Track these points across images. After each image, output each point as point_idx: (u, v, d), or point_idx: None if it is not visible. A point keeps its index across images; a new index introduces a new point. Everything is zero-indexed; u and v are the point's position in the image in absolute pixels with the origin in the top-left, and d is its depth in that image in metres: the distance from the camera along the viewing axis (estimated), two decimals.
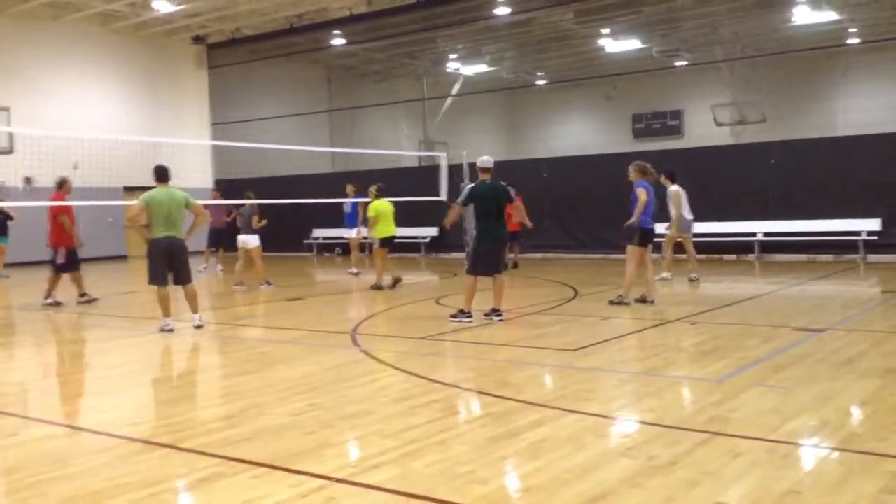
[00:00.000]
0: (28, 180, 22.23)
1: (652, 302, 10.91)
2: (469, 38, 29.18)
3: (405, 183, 20.87)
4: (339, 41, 27.72)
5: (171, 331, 9.52)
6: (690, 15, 25.84)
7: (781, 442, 4.69)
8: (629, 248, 11.00)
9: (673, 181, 13.62)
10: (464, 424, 5.25)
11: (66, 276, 12.75)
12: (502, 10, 24.16)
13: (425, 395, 6.06)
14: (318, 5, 24.44)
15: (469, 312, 9.72)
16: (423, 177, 22.11)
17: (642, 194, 10.68)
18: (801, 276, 14.75)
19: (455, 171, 18.65)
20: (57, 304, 12.66)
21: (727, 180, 18.96)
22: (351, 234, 17.40)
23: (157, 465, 4.57)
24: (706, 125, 31.92)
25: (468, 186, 9.92)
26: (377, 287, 13.70)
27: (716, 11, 25.28)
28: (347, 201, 17.26)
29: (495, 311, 9.82)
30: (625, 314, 10.25)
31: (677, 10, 25.11)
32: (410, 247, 22.42)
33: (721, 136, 29.99)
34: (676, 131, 34.65)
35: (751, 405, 5.54)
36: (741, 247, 19.06)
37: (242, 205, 15.23)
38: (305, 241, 25.88)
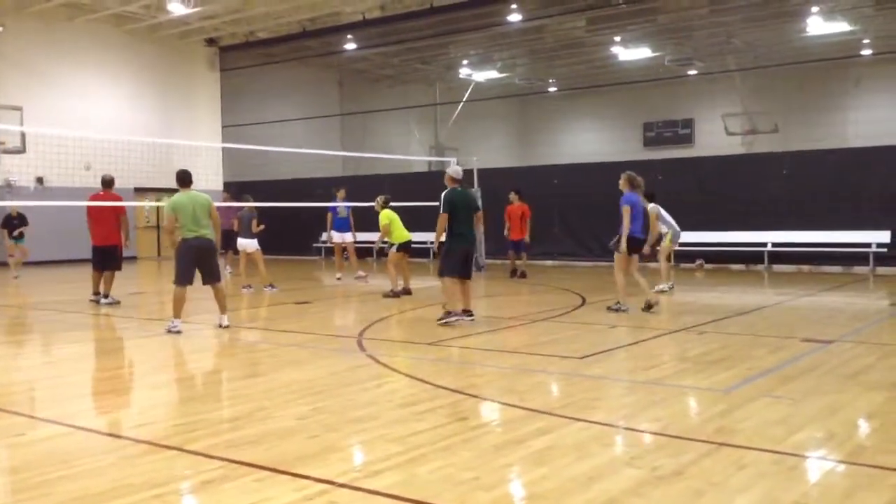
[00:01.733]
0: (40, 180, 22.37)
1: (657, 304, 11.08)
2: (481, 45, 29.23)
3: (415, 188, 20.86)
4: (351, 46, 27.79)
5: (178, 332, 9.55)
6: (703, 24, 25.82)
7: (788, 454, 4.67)
8: (615, 255, 11.32)
9: (650, 200, 13.79)
10: (469, 431, 5.24)
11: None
12: (515, 17, 24.19)
13: (431, 401, 6.06)
14: (331, 9, 24.52)
15: (457, 312, 9.98)
16: (433, 182, 22.08)
17: (627, 211, 10.95)
18: (810, 288, 14.69)
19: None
20: (117, 301, 12.83)
21: (737, 190, 18.94)
22: (345, 238, 17.25)
23: (162, 467, 4.57)
24: (717, 134, 31.83)
25: (443, 194, 10.18)
26: (393, 294, 13.45)
27: (729, 21, 25.25)
28: (340, 205, 17.11)
29: (467, 312, 10.12)
30: (632, 323, 10.23)
31: (690, 19, 25.10)
32: (419, 252, 22.40)
33: (732, 146, 29.92)
34: (687, 140, 34.55)
35: (757, 416, 5.51)
36: (750, 256, 19.00)
37: (241, 208, 15.26)
38: (314, 245, 25.92)
